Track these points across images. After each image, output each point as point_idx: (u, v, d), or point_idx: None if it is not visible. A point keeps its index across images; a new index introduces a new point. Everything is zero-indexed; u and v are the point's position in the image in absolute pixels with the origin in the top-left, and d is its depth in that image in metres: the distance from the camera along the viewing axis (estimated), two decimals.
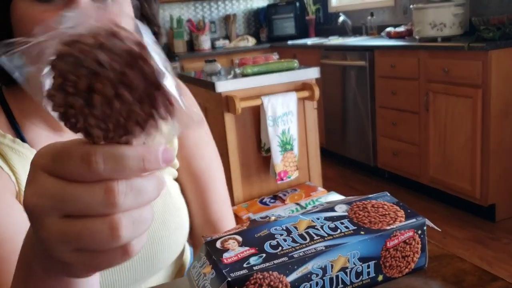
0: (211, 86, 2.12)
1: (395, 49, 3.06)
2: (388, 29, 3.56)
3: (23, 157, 0.65)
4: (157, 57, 0.29)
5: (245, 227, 0.60)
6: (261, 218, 0.63)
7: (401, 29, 3.45)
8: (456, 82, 2.62)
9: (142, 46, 0.28)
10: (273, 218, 0.62)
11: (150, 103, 0.29)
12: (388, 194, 0.66)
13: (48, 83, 0.29)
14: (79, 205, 0.29)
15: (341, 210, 0.63)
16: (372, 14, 4.06)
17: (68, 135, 0.67)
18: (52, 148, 0.30)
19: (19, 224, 0.58)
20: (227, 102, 2.09)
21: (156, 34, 0.73)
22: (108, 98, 0.28)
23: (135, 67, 0.28)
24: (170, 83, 0.29)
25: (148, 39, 0.29)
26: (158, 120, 0.30)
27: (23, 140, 0.66)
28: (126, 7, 0.64)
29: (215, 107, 2.17)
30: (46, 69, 0.28)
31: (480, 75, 2.47)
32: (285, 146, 2.15)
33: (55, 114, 0.29)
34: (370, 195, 0.66)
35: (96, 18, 0.29)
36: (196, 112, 0.31)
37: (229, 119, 2.12)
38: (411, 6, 3.23)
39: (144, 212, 0.31)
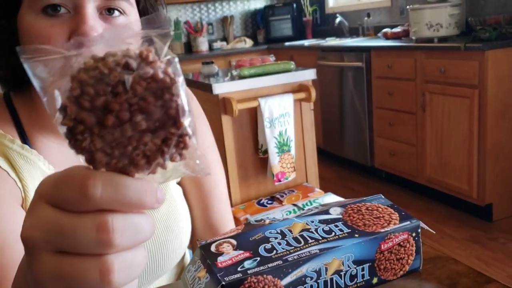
0: (209, 88, 2.13)
1: (391, 49, 3.07)
2: (385, 29, 3.57)
3: (31, 164, 0.64)
4: (184, 94, 0.28)
5: (239, 231, 0.60)
6: (256, 221, 0.63)
7: (397, 29, 3.45)
8: (452, 83, 2.62)
9: (172, 79, 0.27)
10: (267, 221, 0.62)
11: (163, 137, 0.28)
12: (383, 197, 0.66)
13: (63, 97, 0.27)
14: (72, 240, 0.28)
15: (335, 212, 0.63)
16: (368, 15, 4.07)
17: None
18: (54, 175, 0.29)
19: (19, 232, 0.58)
20: (224, 104, 2.10)
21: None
22: (122, 121, 0.27)
23: (159, 97, 0.27)
24: (188, 123, 0.28)
25: (179, 72, 0.28)
26: (167, 158, 0.28)
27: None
28: (133, 17, 0.63)
29: (212, 109, 2.17)
30: (65, 82, 0.27)
31: (477, 75, 2.47)
32: (282, 147, 2.15)
33: (62, 129, 0.27)
34: (364, 198, 0.66)
35: (128, 40, 0.29)
36: (205, 162, 0.30)
37: (226, 121, 2.13)
38: (407, 7, 3.24)
39: (138, 255, 0.29)
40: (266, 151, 2.16)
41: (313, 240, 0.57)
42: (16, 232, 0.58)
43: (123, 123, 0.27)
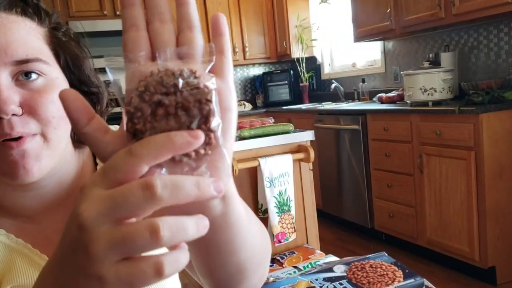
0: None
1: (387, 113, 3.14)
2: (380, 94, 3.67)
3: None
4: (216, 102, 0.36)
5: None
6: None
7: (392, 94, 3.55)
8: (448, 145, 2.67)
9: (209, 90, 0.36)
10: (271, 279, 0.62)
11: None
12: (386, 254, 0.67)
13: (129, 91, 0.36)
14: (127, 204, 0.31)
15: (339, 270, 0.63)
16: (363, 80, 4.20)
17: (25, 223, 0.66)
18: (101, 168, 0.34)
19: None
20: None
21: (97, 94, 0.67)
22: (168, 114, 0.35)
23: (198, 100, 0.35)
24: (217, 126, 0.36)
25: (215, 86, 0.36)
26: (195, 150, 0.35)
27: None
28: (54, 75, 0.60)
29: None
30: (134, 83, 0.36)
31: (472, 137, 2.52)
32: (282, 207, 2.14)
33: (124, 114, 0.35)
34: (368, 255, 0.66)
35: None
36: (228, 164, 0.37)
37: None
38: (401, 73, 3.36)
39: (181, 218, 0.32)
40: (266, 211, 2.15)
41: None
42: None
43: (169, 115, 0.35)
